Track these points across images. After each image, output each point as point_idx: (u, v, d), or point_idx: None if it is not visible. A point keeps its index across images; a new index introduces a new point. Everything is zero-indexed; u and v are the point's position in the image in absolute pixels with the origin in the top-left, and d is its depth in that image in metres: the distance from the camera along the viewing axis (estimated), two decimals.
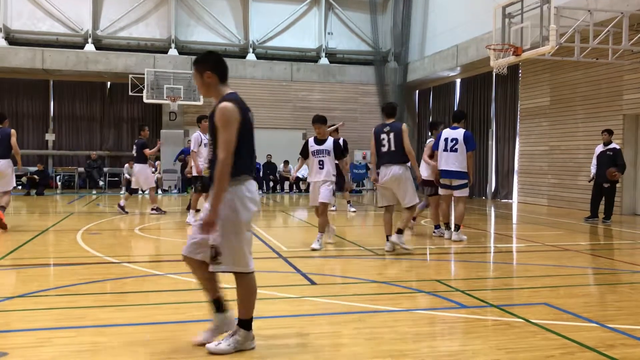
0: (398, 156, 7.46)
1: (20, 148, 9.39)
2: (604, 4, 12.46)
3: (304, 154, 8.17)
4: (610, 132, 11.97)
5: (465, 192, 8.75)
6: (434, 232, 9.43)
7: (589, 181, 12.56)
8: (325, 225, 7.99)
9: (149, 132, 12.67)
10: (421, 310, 4.70)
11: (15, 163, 9.86)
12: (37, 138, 21.96)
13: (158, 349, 3.70)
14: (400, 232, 7.43)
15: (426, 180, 9.31)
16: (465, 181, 8.62)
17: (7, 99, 21.73)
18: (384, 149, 7.55)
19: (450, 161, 8.55)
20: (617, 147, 11.87)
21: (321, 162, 7.89)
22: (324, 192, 7.80)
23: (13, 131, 9.96)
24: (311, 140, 8.04)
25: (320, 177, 7.88)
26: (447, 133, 8.72)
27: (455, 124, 8.79)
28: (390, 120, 7.66)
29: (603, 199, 11.95)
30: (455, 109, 20.82)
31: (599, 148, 12.04)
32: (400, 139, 7.46)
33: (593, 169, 12.20)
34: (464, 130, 8.72)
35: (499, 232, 7.86)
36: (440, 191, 8.91)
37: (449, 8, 20.26)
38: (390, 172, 7.44)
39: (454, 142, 8.56)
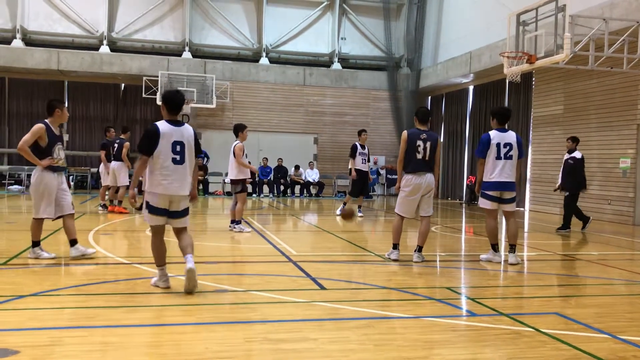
0: (430, 165, 7.32)
1: None
2: (620, 13, 12.39)
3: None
4: (574, 140, 11.53)
5: (515, 207, 7.60)
6: (231, 227, 10.01)
7: (554, 190, 12.38)
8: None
9: (114, 134, 13.80)
10: (431, 318, 4.68)
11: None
12: None
13: (168, 351, 3.72)
14: (421, 249, 7.39)
15: (233, 179, 9.95)
16: (515, 194, 7.51)
17: (22, 99, 21.96)
18: (419, 156, 7.25)
19: (507, 171, 7.28)
20: (579, 156, 11.38)
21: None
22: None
23: (127, 144, 12.98)
24: None
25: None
26: (497, 137, 7.34)
27: (504, 126, 7.54)
28: (424, 127, 7.42)
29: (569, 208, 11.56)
30: (468, 115, 20.78)
31: (565, 156, 11.67)
32: (435, 150, 7.32)
33: (560, 180, 11.79)
34: (514, 133, 7.58)
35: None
36: (488, 205, 7.45)
37: (462, 15, 20.24)
38: (426, 180, 7.26)
39: (509, 147, 7.30)
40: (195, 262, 5.22)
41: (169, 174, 5.27)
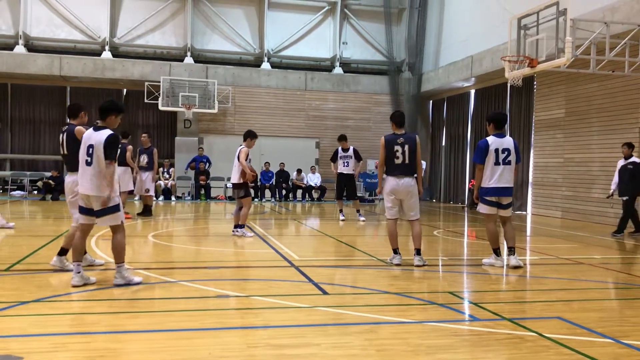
0: (411, 168, 7.35)
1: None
2: (621, 16, 12.40)
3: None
4: (630, 146, 11.63)
5: (512, 211, 7.65)
6: (234, 232, 10.03)
7: (607, 197, 12.36)
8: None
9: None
10: (433, 322, 4.68)
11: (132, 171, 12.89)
12: (53, 144, 22.11)
13: (171, 356, 3.72)
14: (419, 252, 7.37)
15: (236, 184, 10.00)
16: (512, 199, 7.57)
17: (24, 105, 22.04)
18: (398, 161, 7.30)
19: (505, 176, 7.30)
20: (638, 160, 11.54)
21: None
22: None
23: (129, 147, 12.63)
24: None
25: None
26: (496, 142, 7.31)
27: (501, 131, 7.49)
28: (401, 131, 7.48)
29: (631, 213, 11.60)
30: (470, 119, 20.79)
31: (621, 162, 11.78)
32: (415, 152, 7.35)
33: (613, 185, 11.86)
34: (511, 138, 7.57)
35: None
36: (487, 210, 7.45)
37: (463, 19, 20.26)
38: (404, 184, 7.30)
39: (507, 153, 7.29)
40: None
41: (81, 174, 5.92)
